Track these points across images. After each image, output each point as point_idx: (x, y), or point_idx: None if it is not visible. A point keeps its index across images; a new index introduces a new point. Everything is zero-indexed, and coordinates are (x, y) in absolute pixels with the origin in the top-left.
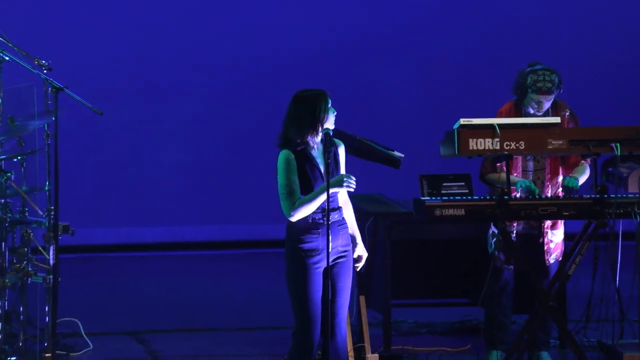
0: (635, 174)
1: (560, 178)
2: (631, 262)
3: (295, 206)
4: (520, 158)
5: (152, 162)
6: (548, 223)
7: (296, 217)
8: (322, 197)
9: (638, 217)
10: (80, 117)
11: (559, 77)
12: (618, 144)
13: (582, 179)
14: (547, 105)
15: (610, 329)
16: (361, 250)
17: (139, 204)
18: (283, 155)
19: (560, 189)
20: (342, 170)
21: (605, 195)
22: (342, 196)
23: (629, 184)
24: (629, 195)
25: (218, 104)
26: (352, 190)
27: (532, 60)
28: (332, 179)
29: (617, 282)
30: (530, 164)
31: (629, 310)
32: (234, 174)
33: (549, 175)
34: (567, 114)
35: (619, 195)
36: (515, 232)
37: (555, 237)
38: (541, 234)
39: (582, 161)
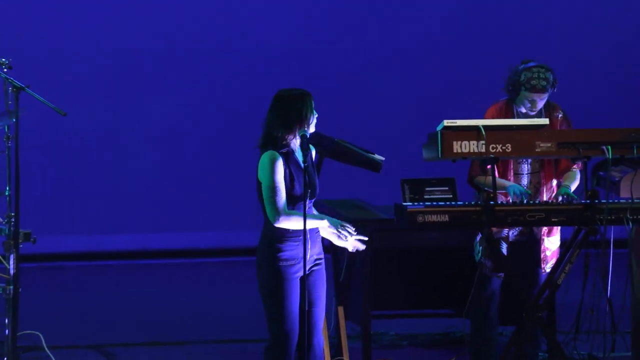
0: (627, 178)
1: (555, 182)
2: (623, 270)
3: (286, 213)
4: (511, 160)
5: (121, 166)
6: (544, 230)
7: (282, 224)
8: (318, 224)
9: (630, 223)
10: (42, 118)
11: (553, 75)
12: (609, 147)
13: (574, 186)
14: (540, 104)
15: (601, 341)
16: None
17: (106, 210)
18: (268, 155)
19: (554, 194)
20: None
21: (596, 201)
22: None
23: (620, 188)
24: (621, 201)
25: (190, 106)
26: (344, 241)
27: (519, 59)
28: (331, 218)
29: (609, 291)
30: (524, 167)
31: (621, 321)
32: (207, 179)
33: (544, 180)
34: (560, 115)
35: (611, 201)
36: (507, 237)
37: (551, 245)
38: (536, 241)
39: (574, 167)
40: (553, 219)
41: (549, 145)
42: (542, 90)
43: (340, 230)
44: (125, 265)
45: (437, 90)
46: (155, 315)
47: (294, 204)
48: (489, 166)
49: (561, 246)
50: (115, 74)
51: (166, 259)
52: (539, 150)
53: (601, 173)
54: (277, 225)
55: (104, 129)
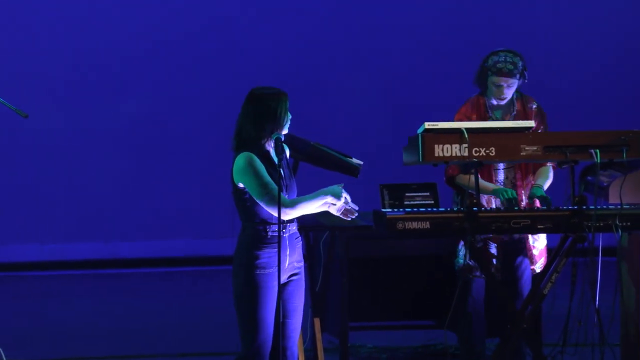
0: (616, 183)
1: (531, 177)
2: (612, 280)
3: (290, 203)
4: None
5: (83, 171)
6: None
7: (292, 214)
8: (318, 203)
9: (619, 230)
10: (0, 120)
11: (523, 62)
12: (597, 151)
13: (547, 183)
14: (507, 92)
15: (589, 354)
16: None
17: (67, 217)
18: (244, 157)
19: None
20: None
21: (584, 207)
22: None
23: (609, 194)
24: (610, 207)
25: (157, 110)
26: (351, 215)
27: None
28: (328, 188)
29: (597, 302)
30: (500, 163)
31: (610, 333)
32: (176, 184)
33: (520, 175)
34: (534, 106)
35: (599, 207)
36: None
37: (538, 244)
38: (521, 240)
39: (547, 163)
40: (539, 226)
41: (535, 148)
42: (509, 74)
43: (342, 197)
44: (89, 274)
45: (418, 91)
46: (119, 326)
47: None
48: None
49: (548, 248)
50: (78, 76)
51: (132, 268)
52: (524, 153)
53: (589, 178)
54: (287, 217)
55: (65, 133)
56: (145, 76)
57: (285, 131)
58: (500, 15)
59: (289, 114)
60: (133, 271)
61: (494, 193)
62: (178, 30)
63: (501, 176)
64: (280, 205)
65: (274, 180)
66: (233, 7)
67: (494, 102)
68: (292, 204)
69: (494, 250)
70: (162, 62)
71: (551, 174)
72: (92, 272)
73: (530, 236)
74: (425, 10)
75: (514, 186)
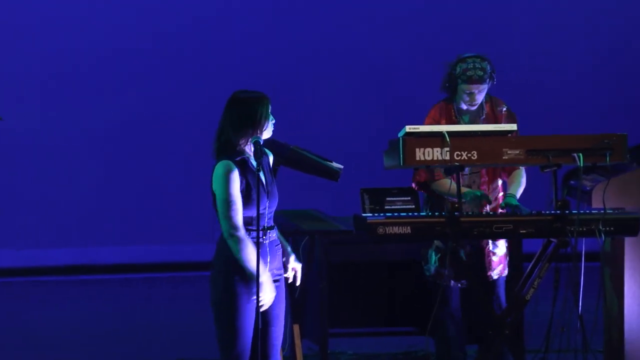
0: (599, 187)
1: (500, 182)
2: (595, 285)
3: (240, 234)
4: None
5: (59, 175)
6: None
7: (233, 243)
8: (261, 274)
9: (602, 235)
10: None
11: (490, 65)
12: (580, 154)
13: (520, 190)
14: (479, 97)
15: None
16: (293, 262)
17: (43, 222)
18: (222, 166)
19: (501, 194)
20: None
21: (567, 211)
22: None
23: (592, 198)
24: (593, 212)
25: (134, 112)
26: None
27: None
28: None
29: (580, 307)
30: (466, 168)
31: (593, 339)
32: (154, 189)
33: (486, 179)
34: (504, 109)
35: (582, 211)
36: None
37: (497, 250)
38: (480, 247)
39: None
40: (521, 231)
41: (517, 152)
42: (479, 80)
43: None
44: (65, 281)
45: (399, 94)
46: (97, 333)
47: (254, 213)
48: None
49: (525, 259)
50: (53, 79)
51: (110, 273)
52: (506, 157)
53: (572, 182)
54: (230, 241)
55: (41, 137)
56: (123, 80)
57: (266, 135)
58: (484, 17)
59: (271, 117)
60: (111, 277)
61: (464, 196)
62: (157, 36)
63: (467, 181)
64: (258, 212)
65: (252, 186)
66: (219, 6)
67: (464, 106)
68: (242, 239)
69: (463, 256)
70: (138, 67)
71: (524, 178)
72: (68, 278)
73: (490, 242)
74: (408, 12)
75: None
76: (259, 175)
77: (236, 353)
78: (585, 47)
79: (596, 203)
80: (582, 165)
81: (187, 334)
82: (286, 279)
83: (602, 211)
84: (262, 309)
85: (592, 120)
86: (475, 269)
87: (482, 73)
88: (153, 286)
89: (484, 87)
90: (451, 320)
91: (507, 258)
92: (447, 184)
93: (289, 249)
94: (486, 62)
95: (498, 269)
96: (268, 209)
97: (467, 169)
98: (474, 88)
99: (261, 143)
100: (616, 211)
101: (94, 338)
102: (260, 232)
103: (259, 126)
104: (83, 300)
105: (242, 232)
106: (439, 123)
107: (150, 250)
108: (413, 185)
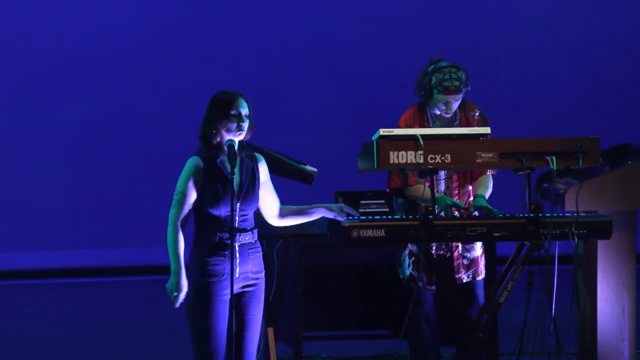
0: (572, 190)
1: (470, 187)
2: (568, 288)
3: (174, 228)
4: None
5: (29, 178)
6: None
7: (168, 234)
8: (178, 255)
9: (576, 238)
10: None
11: (466, 73)
12: (554, 158)
13: (488, 194)
14: (455, 106)
15: None
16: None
17: (10, 225)
18: (190, 161)
19: (471, 199)
20: (270, 187)
21: (540, 214)
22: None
23: (565, 201)
24: (566, 215)
25: (105, 114)
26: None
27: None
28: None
29: (553, 310)
30: (441, 172)
31: (566, 341)
32: (126, 191)
33: (457, 184)
34: (477, 114)
35: (555, 214)
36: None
37: (470, 253)
38: (450, 251)
39: (487, 171)
40: (495, 234)
41: (491, 155)
42: (456, 91)
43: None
44: (32, 284)
45: (373, 98)
46: (67, 338)
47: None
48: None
49: (499, 261)
50: (19, 81)
51: (82, 277)
52: (479, 160)
53: (545, 185)
54: (168, 231)
55: (11, 137)
56: (87, 83)
57: (240, 137)
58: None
59: (244, 119)
60: (82, 280)
61: (436, 202)
62: (117, 37)
63: (442, 186)
64: (233, 212)
65: (219, 187)
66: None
67: (437, 112)
68: (174, 232)
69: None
70: (115, 68)
71: (491, 183)
72: (40, 281)
73: (460, 246)
74: (382, 12)
75: (451, 195)
76: (233, 178)
77: (207, 353)
78: (558, 53)
79: (569, 206)
80: (555, 168)
81: (167, 338)
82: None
83: (575, 214)
84: (176, 306)
85: (567, 124)
86: (444, 271)
87: (458, 83)
88: (124, 289)
89: (460, 96)
90: (426, 323)
91: (484, 260)
92: (421, 189)
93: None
94: (462, 71)
95: (472, 271)
96: (240, 211)
97: (442, 174)
98: (451, 98)
99: (235, 146)
100: (589, 214)
101: (64, 340)
102: (227, 235)
103: (227, 124)
104: (57, 304)
105: (173, 226)
106: (412, 127)
107: (122, 254)
108: (387, 190)
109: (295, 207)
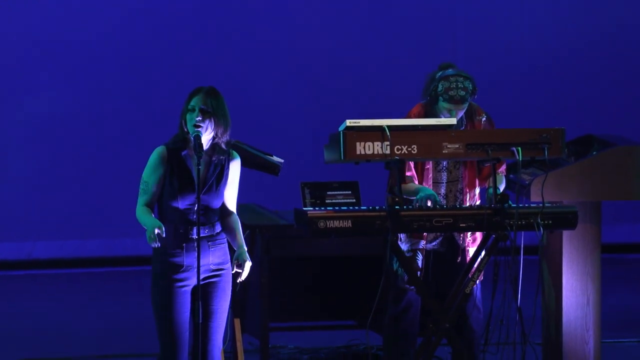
0: (538, 181)
1: (478, 190)
2: (534, 278)
3: (138, 210)
4: (431, 168)
5: None
6: (468, 239)
7: (137, 213)
8: (146, 225)
9: (541, 228)
10: None
11: (473, 83)
12: (519, 148)
13: (502, 188)
14: (460, 114)
15: (511, 353)
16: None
17: None
18: (156, 151)
19: (478, 202)
20: (233, 189)
21: (506, 205)
22: (225, 212)
23: (531, 192)
24: (532, 205)
25: (74, 105)
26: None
27: (426, 59)
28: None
29: (519, 300)
30: (443, 175)
31: (532, 331)
32: (91, 182)
33: (467, 188)
34: (484, 119)
35: (521, 205)
36: (423, 249)
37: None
38: (459, 251)
39: (498, 171)
40: (461, 224)
41: (457, 146)
42: (461, 101)
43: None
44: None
45: (340, 87)
46: (36, 329)
47: (181, 205)
48: (408, 173)
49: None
50: None
51: (49, 268)
52: (446, 151)
53: (511, 176)
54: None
55: None
56: (56, 74)
57: (203, 131)
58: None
59: (198, 112)
60: (49, 272)
61: (415, 193)
62: (87, 27)
63: (443, 189)
64: (199, 207)
65: (179, 179)
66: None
67: (442, 117)
68: (140, 213)
69: (419, 262)
70: (76, 60)
71: (504, 181)
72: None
73: (470, 249)
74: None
75: (456, 200)
76: (199, 169)
77: (172, 344)
78: (526, 45)
79: (535, 197)
80: (520, 159)
81: (127, 328)
82: (234, 274)
83: (541, 205)
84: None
85: (534, 115)
86: (448, 275)
87: (464, 93)
88: (89, 281)
89: (465, 106)
90: (404, 317)
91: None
92: (412, 186)
93: (242, 245)
94: (469, 80)
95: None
96: (200, 203)
97: (444, 178)
98: (455, 107)
99: (200, 137)
100: (554, 205)
101: (28, 334)
102: (184, 227)
103: (184, 118)
104: (16, 297)
105: (139, 207)
106: None
107: (88, 245)
108: (387, 190)
109: (238, 235)
